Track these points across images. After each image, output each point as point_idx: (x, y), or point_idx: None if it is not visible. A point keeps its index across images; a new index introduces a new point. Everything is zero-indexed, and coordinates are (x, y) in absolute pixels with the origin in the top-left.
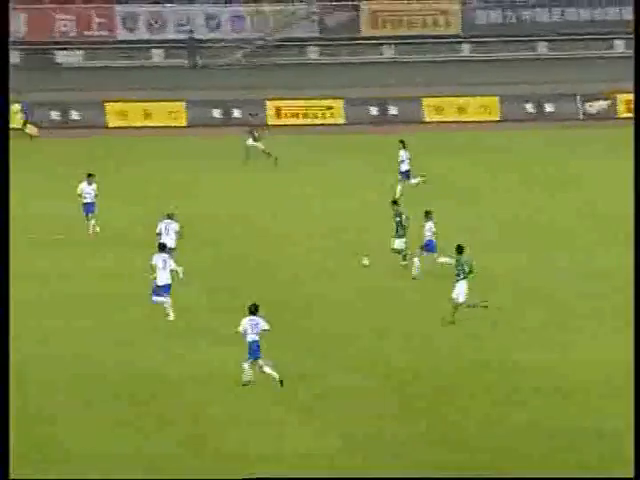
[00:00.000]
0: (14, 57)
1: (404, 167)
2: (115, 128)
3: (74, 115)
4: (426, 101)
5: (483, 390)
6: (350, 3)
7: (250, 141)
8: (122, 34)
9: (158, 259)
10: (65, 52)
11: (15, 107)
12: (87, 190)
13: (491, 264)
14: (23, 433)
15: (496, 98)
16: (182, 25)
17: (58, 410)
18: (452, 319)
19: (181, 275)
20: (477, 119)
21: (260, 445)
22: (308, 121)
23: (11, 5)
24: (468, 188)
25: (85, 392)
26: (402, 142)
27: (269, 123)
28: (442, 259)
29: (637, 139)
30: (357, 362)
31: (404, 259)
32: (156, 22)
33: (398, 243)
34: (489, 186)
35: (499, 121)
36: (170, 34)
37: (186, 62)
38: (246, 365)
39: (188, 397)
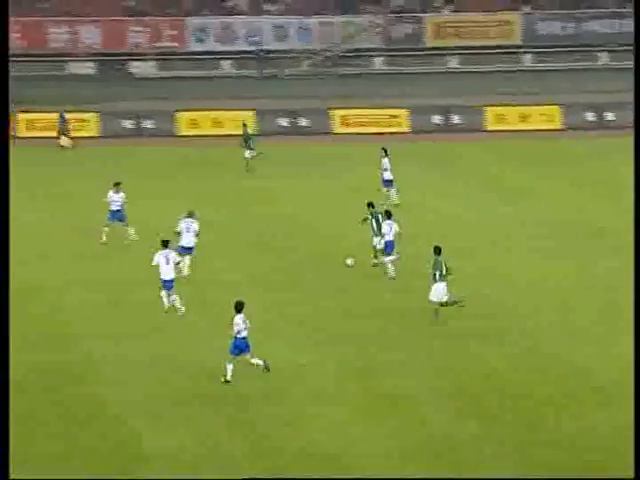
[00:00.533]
0: (89, 68)
1: (387, 175)
2: (186, 137)
3: (147, 124)
4: (488, 110)
5: (556, 392)
6: (414, 15)
7: (247, 153)
8: (193, 45)
9: (161, 256)
10: (138, 63)
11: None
12: (114, 198)
13: (545, 269)
14: (104, 433)
15: (557, 107)
16: (251, 36)
17: (136, 409)
18: (436, 319)
19: (185, 272)
20: (539, 127)
21: (326, 445)
22: (373, 130)
23: (87, 18)
24: (530, 195)
25: (163, 391)
26: (384, 150)
27: (335, 132)
28: (388, 259)
29: (637, 141)
30: (425, 364)
31: (376, 257)
32: (226, 34)
33: (375, 241)
34: (549, 192)
35: (561, 129)
36: (239, 45)
37: (255, 72)
38: (230, 365)
39: (254, 396)
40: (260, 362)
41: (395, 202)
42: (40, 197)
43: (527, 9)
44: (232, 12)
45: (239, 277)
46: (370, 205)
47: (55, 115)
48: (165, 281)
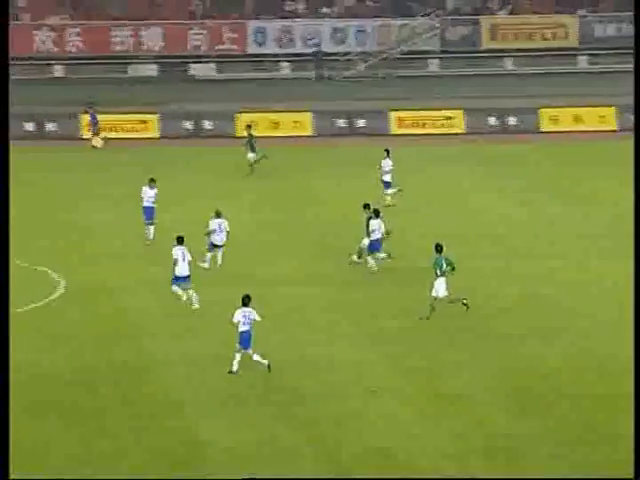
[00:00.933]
0: (152, 70)
1: (386, 177)
2: (244, 137)
3: (206, 125)
4: (543, 111)
5: (613, 391)
6: (471, 17)
7: (250, 154)
8: (252, 48)
9: (178, 252)
10: (199, 65)
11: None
12: (149, 194)
13: (602, 269)
14: (169, 430)
15: (612, 108)
16: (309, 39)
17: (200, 406)
18: (429, 315)
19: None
20: (594, 129)
21: (385, 444)
22: (429, 131)
23: (149, 21)
24: (585, 195)
25: (225, 388)
26: (387, 151)
27: (392, 133)
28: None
29: (637, 143)
30: (483, 364)
31: (359, 257)
32: (285, 36)
33: (364, 242)
34: (603, 192)
35: (615, 131)
36: (298, 48)
37: (312, 74)
38: (237, 355)
39: (313, 393)
40: (263, 362)
41: (388, 203)
42: (114, 197)
43: (583, 11)
44: (291, 15)
45: (299, 276)
46: (366, 207)
47: (118, 116)
48: (181, 277)
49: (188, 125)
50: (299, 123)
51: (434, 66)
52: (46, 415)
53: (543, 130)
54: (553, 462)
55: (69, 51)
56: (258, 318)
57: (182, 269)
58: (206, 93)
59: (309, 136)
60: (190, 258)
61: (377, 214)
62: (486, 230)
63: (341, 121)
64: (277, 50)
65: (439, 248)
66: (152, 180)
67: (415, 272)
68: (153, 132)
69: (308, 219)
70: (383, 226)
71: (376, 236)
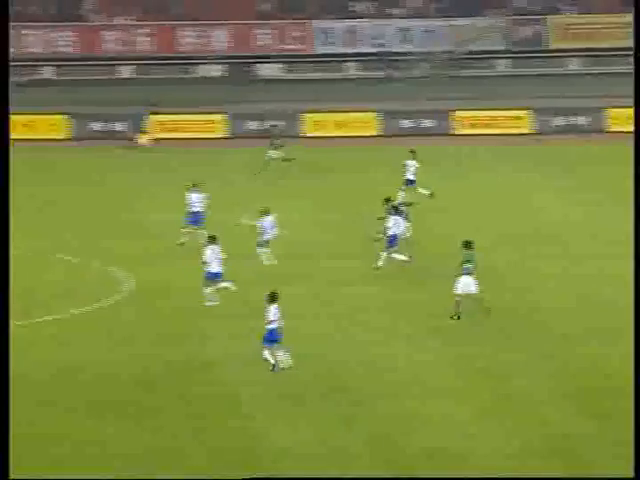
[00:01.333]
0: (218, 70)
1: (410, 176)
2: (310, 137)
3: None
4: (610, 111)
5: None
6: (537, 17)
7: (271, 151)
8: (318, 48)
9: (209, 250)
10: (265, 65)
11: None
12: (195, 199)
13: None
14: (230, 429)
15: None
16: (375, 39)
17: (260, 406)
18: (458, 312)
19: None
20: None
21: (445, 444)
22: (494, 131)
23: (216, 22)
24: None
25: (286, 387)
26: (413, 152)
27: (457, 133)
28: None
29: (637, 141)
30: (543, 364)
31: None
32: (351, 36)
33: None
34: None
35: None
36: (364, 48)
37: (378, 74)
38: (267, 352)
39: (373, 393)
40: (287, 361)
41: (407, 201)
42: (181, 197)
43: None
44: (357, 15)
45: (357, 277)
46: (387, 201)
47: (185, 117)
48: (212, 274)
49: (254, 125)
50: (365, 123)
51: (501, 66)
52: (107, 415)
53: (610, 130)
54: (613, 462)
55: (137, 52)
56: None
57: (213, 266)
58: (272, 93)
59: (374, 136)
60: (222, 257)
61: (397, 210)
62: (545, 230)
63: (407, 121)
64: (343, 50)
65: (468, 244)
66: (195, 185)
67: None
68: (219, 132)
69: (369, 219)
70: (403, 223)
71: (393, 232)
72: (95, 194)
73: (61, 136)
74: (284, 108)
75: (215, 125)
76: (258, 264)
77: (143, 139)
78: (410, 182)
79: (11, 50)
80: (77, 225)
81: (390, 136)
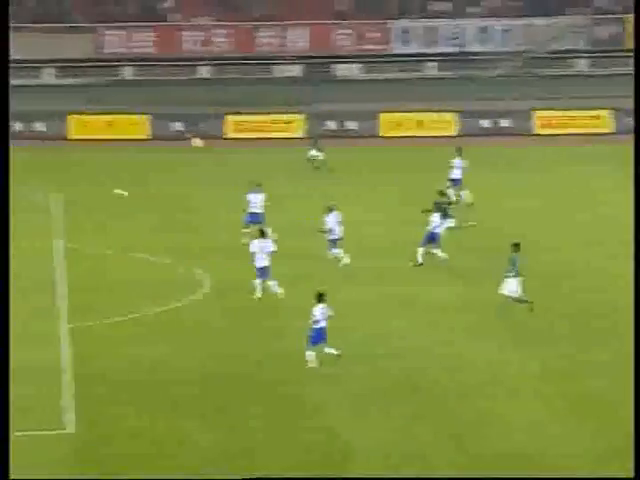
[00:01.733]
0: (296, 70)
1: (455, 175)
2: (388, 138)
3: (350, 125)
4: None
5: None
6: (617, 16)
7: (313, 151)
8: (397, 48)
9: (257, 244)
10: (343, 65)
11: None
12: (254, 200)
13: None
14: (305, 429)
15: None
16: (454, 39)
17: (337, 405)
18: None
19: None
20: None
21: (525, 444)
22: (574, 130)
23: (294, 22)
24: None
25: (362, 386)
26: (459, 150)
27: (537, 133)
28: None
29: (637, 145)
30: (624, 365)
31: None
32: (429, 36)
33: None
34: None
35: None
36: (443, 47)
37: (457, 74)
38: (312, 352)
39: (452, 392)
40: (334, 351)
41: (452, 200)
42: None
43: None
44: (436, 15)
45: (442, 277)
46: (441, 194)
47: (263, 117)
48: (260, 268)
49: (331, 125)
50: (443, 123)
51: (581, 65)
52: (183, 414)
53: None
54: None
55: (215, 52)
56: (332, 313)
57: (260, 260)
58: (350, 93)
59: (453, 136)
60: (270, 250)
61: (441, 208)
62: (617, 231)
63: (485, 121)
64: (422, 50)
65: (516, 246)
66: (258, 185)
67: (548, 270)
68: (298, 132)
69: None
70: (446, 221)
71: (434, 230)
72: (170, 193)
73: (142, 136)
74: (362, 108)
75: (293, 125)
76: (334, 264)
77: (197, 141)
78: (455, 181)
79: (94, 50)
80: (155, 224)
81: (469, 136)
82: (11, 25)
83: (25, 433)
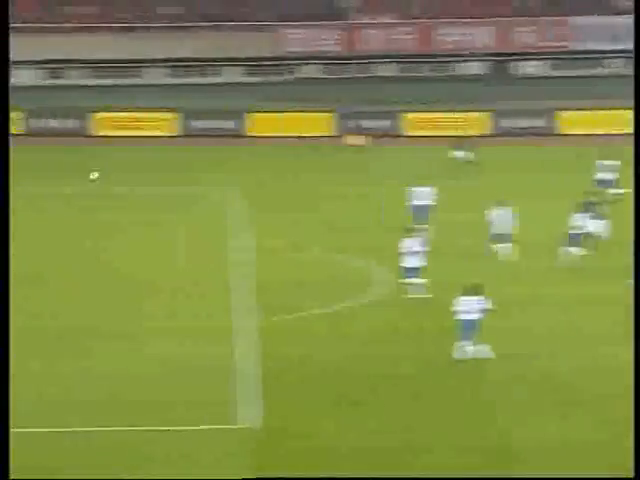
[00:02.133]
0: (479, 68)
1: (600, 175)
2: (567, 135)
3: (523, 124)
4: None
5: None
6: None
7: (456, 152)
8: (578, 44)
9: (407, 243)
10: (527, 63)
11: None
12: (420, 194)
13: None
14: (472, 428)
15: None
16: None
17: (509, 404)
18: None
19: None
20: None
21: None
22: None
23: (478, 19)
24: None
25: (521, 386)
26: (605, 153)
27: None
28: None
29: (637, 141)
30: None
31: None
32: (610, 33)
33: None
34: None
35: None
36: (624, 44)
37: None
38: (469, 345)
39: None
40: (484, 349)
41: (609, 199)
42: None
43: None
44: (617, 11)
45: (539, 276)
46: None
47: (436, 115)
48: (407, 269)
49: (504, 124)
50: (621, 120)
51: None
52: (348, 412)
53: None
54: None
55: (398, 50)
56: (490, 306)
57: (408, 261)
58: (532, 91)
59: (630, 134)
60: (420, 249)
61: (586, 209)
62: None
63: None
64: (603, 46)
65: None
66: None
67: None
68: (476, 130)
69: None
70: (592, 222)
71: (574, 230)
72: (341, 193)
73: (325, 132)
74: (543, 105)
75: (476, 124)
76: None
77: (352, 139)
78: (601, 182)
79: (275, 49)
80: (328, 221)
81: None
82: (193, 25)
83: (210, 427)
